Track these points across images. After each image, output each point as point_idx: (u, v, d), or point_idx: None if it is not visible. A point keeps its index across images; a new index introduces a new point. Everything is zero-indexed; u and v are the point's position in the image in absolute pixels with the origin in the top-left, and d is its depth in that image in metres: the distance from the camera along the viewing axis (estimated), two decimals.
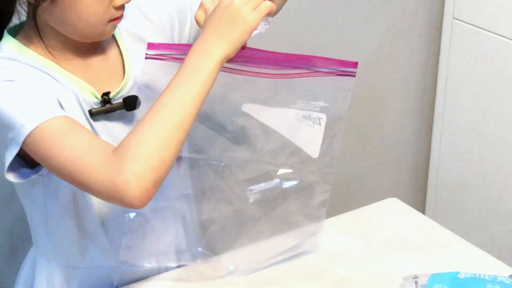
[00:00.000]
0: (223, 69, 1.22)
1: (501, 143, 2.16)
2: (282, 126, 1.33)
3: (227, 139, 1.34)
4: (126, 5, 1.27)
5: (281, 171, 1.35)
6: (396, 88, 2.33)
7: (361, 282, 1.37)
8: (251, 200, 1.34)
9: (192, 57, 1.19)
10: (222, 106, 1.29)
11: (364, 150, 2.34)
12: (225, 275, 1.36)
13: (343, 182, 2.24)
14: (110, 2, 1.23)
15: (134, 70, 1.33)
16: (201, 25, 1.26)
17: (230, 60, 1.21)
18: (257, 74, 1.28)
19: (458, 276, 1.28)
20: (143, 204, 1.14)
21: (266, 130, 1.33)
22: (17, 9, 1.26)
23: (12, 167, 1.22)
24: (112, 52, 1.34)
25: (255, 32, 1.22)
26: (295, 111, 1.32)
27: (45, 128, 1.16)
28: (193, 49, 1.20)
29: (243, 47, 1.23)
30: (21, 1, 1.25)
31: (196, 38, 1.41)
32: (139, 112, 1.31)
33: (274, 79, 1.28)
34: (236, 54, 1.21)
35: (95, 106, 1.29)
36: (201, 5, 1.27)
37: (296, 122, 1.32)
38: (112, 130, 1.31)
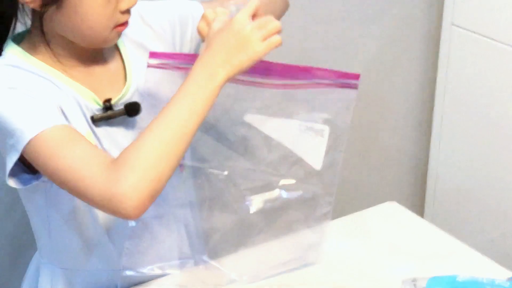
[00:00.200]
0: None
1: (500, 148, 2.16)
2: (284, 137, 1.33)
3: (230, 148, 1.34)
4: None
5: (283, 182, 1.36)
6: (395, 93, 2.33)
7: (360, 285, 1.37)
8: (253, 210, 1.35)
9: (197, 73, 1.19)
10: (225, 116, 1.30)
11: (363, 154, 2.35)
12: (227, 283, 1.37)
13: (342, 186, 2.23)
14: (116, 6, 1.24)
15: (135, 77, 1.34)
16: (203, 37, 1.27)
17: None
18: (260, 84, 1.29)
19: (457, 279, 1.29)
20: (138, 216, 1.15)
21: (269, 141, 1.33)
22: (22, 17, 1.28)
23: (14, 173, 1.23)
24: (114, 59, 1.35)
25: None
26: (298, 122, 1.32)
27: (45, 136, 1.17)
28: (199, 64, 1.20)
29: None
30: (26, 9, 1.27)
31: (197, 46, 1.43)
32: (140, 118, 1.32)
33: (276, 89, 1.29)
34: None
35: (97, 113, 1.30)
36: (203, 16, 1.28)
37: (299, 133, 1.33)
38: (114, 136, 1.32)
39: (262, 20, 1.21)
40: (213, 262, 1.37)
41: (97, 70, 1.32)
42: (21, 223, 1.59)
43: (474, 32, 2.14)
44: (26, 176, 1.26)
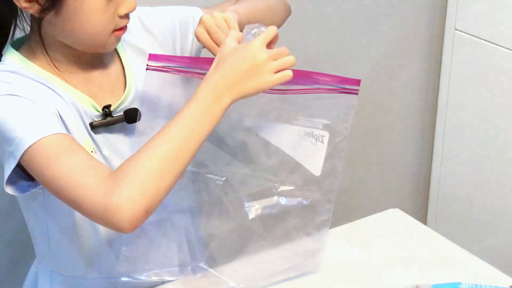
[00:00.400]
0: None
1: (503, 154, 2.16)
2: (284, 143, 1.32)
3: (229, 154, 1.34)
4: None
5: (282, 188, 1.35)
6: (398, 99, 2.33)
7: None
8: (251, 216, 1.34)
9: (204, 94, 1.18)
10: (225, 121, 1.30)
11: (366, 161, 2.34)
12: None
13: (345, 193, 2.24)
14: (115, 11, 1.24)
15: (135, 83, 1.33)
16: (201, 42, 1.27)
17: None
18: None
19: (460, 286, 1.28)
20: (132, 230, 1.15)
21: (268, 146, 1.33)
22: (21, 23, 1.27)
23: (12, 180, 1.23)
24: (114, 65, 1.34)
25: None
26: (298, 128, 1.32)
27: (43, 145, 1.17)
28: (206, 84, 1.19)
29: None
30: (24, 15, 1.26)
31: (198, 50, 1.42)
32: (140, 124, 1.32)
33: (276, 94, 1.28)
34: None
35: (96, 119, 1.29)
36: (201, 21, 1.27)
37: (298, 139, 1.32)
38: (113, 143, 1.31)
39: (278, 51, 1.21)
40: (211, 270, 1.36)
41: (97, 76, 1.32)
42: (20, 230, 1.58)
43: (477, 37, 2.14)
44: (25, 183, 1.25)
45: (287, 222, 1.36)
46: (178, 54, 1.41)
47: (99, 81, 1.32)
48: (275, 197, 1.35)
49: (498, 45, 2.09)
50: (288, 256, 1.37)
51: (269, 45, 1.23)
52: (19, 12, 1.26)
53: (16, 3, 1.21)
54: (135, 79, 1.34)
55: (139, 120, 1.31)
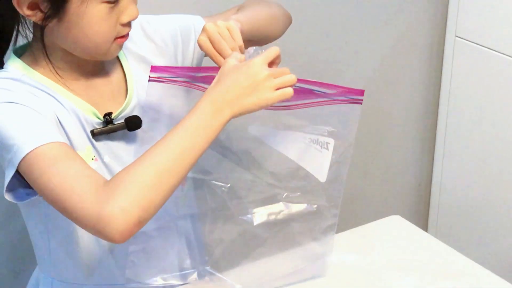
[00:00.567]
0: None
1: (504, 161, 2.16)
2: (289, 150, 1.32)
3: (233, 161, 1.34)
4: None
5: (287, 194, 1.35)
6: (398, 106, 2.33)
7: None
8: (256, 222, 1.34)
9: (203, 108, 1.18)
10: (230, 129, 1.30)
11: (366, 167, 2.34)
12: None
13: (346, 200, 2.23)
14: (117, 19, 1.24)
15: (136, 91, 1.34)
16: (204, 50, 1.27)
17: None
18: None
19: None
20: (123, 240, 1.14)
21: (273, 153, 1.33)
22: (23, 30, 1.28)
23: (12, 187, 1.23)
24: (116, 73, 1.35)
25: None
26: (303, 135, 1.32)
27: (40, 153, 1.17)
28: (206, 98, 1.19)
29: None
30: (27, 23, 1.27)
31: (200, 59, 1.42)
32: (141, 132, 1.32)
33: (279, 111, 1.28)
34: None
35: (97, 126, 1.29)
36: (204, 29, 1.27)
37: (304, 145, 1.32)
38: (114, 150, 1.31)
39: (279, 70, 1.21)
40: (218, 274, 1.36)
41: (98, 83, 1.32)
42: (22, 236, 1.59)
43: (477, 44, 2.14)
44: (24, 191, 1.25)
45: (292, 228, 1.36)
46: (180, 62, 1.42)
47: (100, 89, 1.32)
48: (281, 203, 1.35)
49: (498, 51, 2.09)
50: (294, 261, 1.38)
51: (271, 65, 1.23)
52: (22, 19, 1.26)
53: (19, 10, 1.21)
54: (137, 86, 1.34)
55: (140, 127, 1.31)
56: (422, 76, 2.32)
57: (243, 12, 1.40)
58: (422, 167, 2.44)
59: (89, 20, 1.21)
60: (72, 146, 1.26)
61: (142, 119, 1.31)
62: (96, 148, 1.30)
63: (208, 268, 1.37)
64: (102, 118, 1.30)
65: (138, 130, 1.32)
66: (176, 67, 1.36)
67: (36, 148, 1.17)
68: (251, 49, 1.27)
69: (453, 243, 1.55)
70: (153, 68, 1.26)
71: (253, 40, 1.40)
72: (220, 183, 1.34)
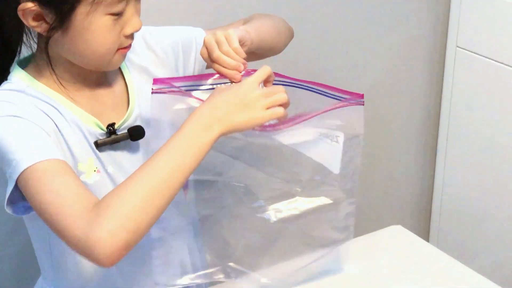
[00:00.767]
0: None
1: (506, 171, 2.16)
2: (300, 144, 1.31)
3: (245, 161, 1.34)
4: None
5: (302, 189, 1.34)
6: (400, 115, 2.34)
7: None
8: (274, 219, 1.34)
9: (192, 124, 1.18)
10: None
11: (368, 177, 2.34)
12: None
13: None
14: (121, 31, 1.25)
15: (138, 101, 1.34)
16: (205, 60, 1.28)
17: None
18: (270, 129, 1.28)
19: None
20: (112, 264, 1.14)
21: (284, 150, 1.31)
22: (28, 41, 1.28)
23: (14, 200, 1.23)
24: (118, 83, 1.35)
25: None
26: (313, 129, 1.31)
27: (36, 170, 1.17)
28: (195, 115, 1.18)
29: None
30: (32, 34, 1.27)
31: (200, 70, 1.43)
32: (144, 141, 1.32)
33: (277, 131, 1.28)
34: None
35: (101, 137, 1.30)
36: (204, 41, 1.28)
37: (314, 139, 1.31)
38: (117, 160, 1.32)
39: (270, 89, 1.22)
40: (241, 268, 1.34)
41: (101, 94, 1.33)
42: (26, 246, 1.59)
43: (478, 54, 2.14)
44: (23, 204, 1.26)
45: (310, 220, 1.35)
46: (181, 72, 1.42)
47: (103, 99, 1.33)
48: (297, 198, 1.34)
49: (499, 62, 2.10)
50: (314, 250, 1.36)
51: (266, 84, 1.24)
52: (27, 30, 1.27)
53: (24, 21, 1.22)
54: (138, 97, 1.35)
55: (143, 137, 1.32)
56: (424, 86, 2.33)
57: (251, 24, 1.41)
58: (424, 177, 2.44)
59: (93, 32, 1.22)
60: (73, 158, 1.27)
61: (146, 132, 1.32)
62: (99, 159, 1.30)
63: (232, 264, 1.36)
64: (105, 129, 1.30)
65: (141, 140, 1.32)
66: (177, 78, 1.36)
67: (33, 164, 1.17)
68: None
69: (454, 253, 1.55)
70: (155, 81, 1.27)
71: (258, 52, 1.40)
72: (235, 183, 1.33)
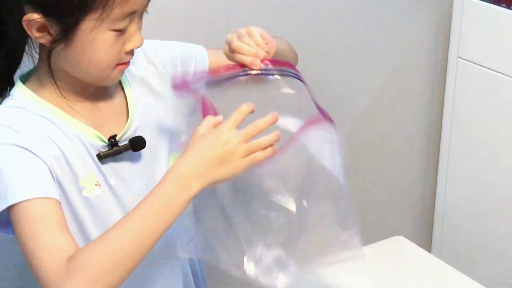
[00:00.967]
0: None
1: (507, 182, 2.16)
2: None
3: (246, 197, 1.31)
4: None
5: (305, 199, 1.33)
6: (401, 126, 2.34)
7: None
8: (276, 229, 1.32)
9: (170, 183, 1.15)
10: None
11: (369, 188, 2.34)
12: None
13: None
14: (122, 47, 1.25)
15: (138, 113, 1.34)
16: (227, 55, 1.28)
17: None
18: None
19: None
20: None
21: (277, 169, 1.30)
22: (30, 50, 1.29)
23: (5, 224, 1.24)
24: (118, 94, 1.35)
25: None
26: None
27: (23, 208, 1.18)
28: (172, 172, 1.16)
29: None
30: (34, 45, 1.28)
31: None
32: (145, 152, 1.33)
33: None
34: None
35: (102, 149, 1.30)
36: (227, 38, 1.28)
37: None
38: (119, 171, 1.32)
39: (248, 132, 1.18)
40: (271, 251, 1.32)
41: (102, 105, 1.33)
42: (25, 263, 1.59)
43: (480, 65, 2.14)
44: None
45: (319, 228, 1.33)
46: None
47: (104, 110, 1.33)
48: (300, 209, 1.32)
49: (501, 72, 2.10)
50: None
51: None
52: (29, 41, 1.27)
53: (28, 31, 1.22)
54: (138, 108, 1.35)
55: (144, 147, 1.32)
56: (425, 96, 2.33)
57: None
58: (426, 187, 2.44)
59: (96, 47, 1.22)
60: (74, 176, 1.27)
61: (146, 139, 1.32)
62: (101, 172, 1.30)
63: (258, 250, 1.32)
64: (107, 141, 1.30)
65: (142, 150, 1.33)
66: (191, 75, 1.34)
67: (21, 202, 1.17)
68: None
69: (456, 264, 1.55)
70: (173, 84, 1.26)
71: None
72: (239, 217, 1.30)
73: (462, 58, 2.19)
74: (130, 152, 1.32)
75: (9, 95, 1.29)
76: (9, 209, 1.19)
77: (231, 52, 1.29)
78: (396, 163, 2.37)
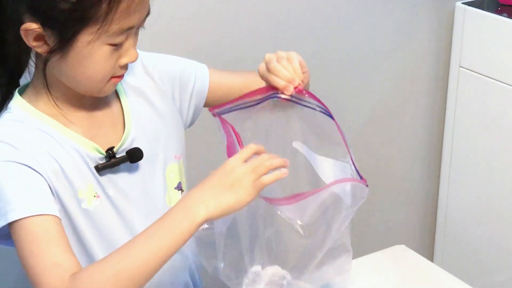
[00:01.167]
0: None
1: (509, 191, 2.16)
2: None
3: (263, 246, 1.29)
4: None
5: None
6: (403, 135, 2.34)
7: None
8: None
9: (177, 210, 1.16)
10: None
11: (371, 196, 2.33)
12: None
13: (351, 229, 2.24)
14: (116, 60, 1.25)
15: (135, 124, 1.34)
16: (261, 75, 1.27)
17: None
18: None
19: None
20: None
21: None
22: (26, 59, 1.29)
23: (5, 235, 1.24)
24: (114, 104, 1.35)
25: None
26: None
27: (24, 226, 1.18)
28: (182, 200, 1.17)
29: None
30: (31, 54, 1.28)
31: (197, 106, 1.44)
32: (142, 162, 1.33)
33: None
34: None
35: (100, 161, 1.30)
36: (265, 57, 1.28)
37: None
38: (117, 183, 1.32)
39: (255, 162, 1.18)
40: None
41: (98, 114, 1.33)
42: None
43: (482, 74, 2.15)
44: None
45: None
46: (177, 103, 1.42)
47: (100, 120, 1.33)
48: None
49: (502, 82, 2.10)
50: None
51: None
52: (27, 50, 1.28)
53: (25, 40, 1.23)
54: (134, 119, 1.35)
55: (142, 159, 1.32)
56: (427, 106, 2.33)
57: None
58: (428, 196, 2.44)
59: (91, 59, 1.23)
60: (73, 189, 1.27)
61: (143, 151, 1.32)
62: (99, 183, 1.30)
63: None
64: (104, 153, 1.30)
65: (140, 161, 1.33)
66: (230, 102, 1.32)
67: (21, 219, 1.18)
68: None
69: (459, 273, 1.54)
70: (212, 110, 1.26)
71: None
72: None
73: (463, 67, 2.20)
74: (128, 163, 1.32)
75: (7, 107, 1.29)
76: (10, 225, 1.19)
77: (267, 71, 1.27)
78: (398, 172, 2.37)
